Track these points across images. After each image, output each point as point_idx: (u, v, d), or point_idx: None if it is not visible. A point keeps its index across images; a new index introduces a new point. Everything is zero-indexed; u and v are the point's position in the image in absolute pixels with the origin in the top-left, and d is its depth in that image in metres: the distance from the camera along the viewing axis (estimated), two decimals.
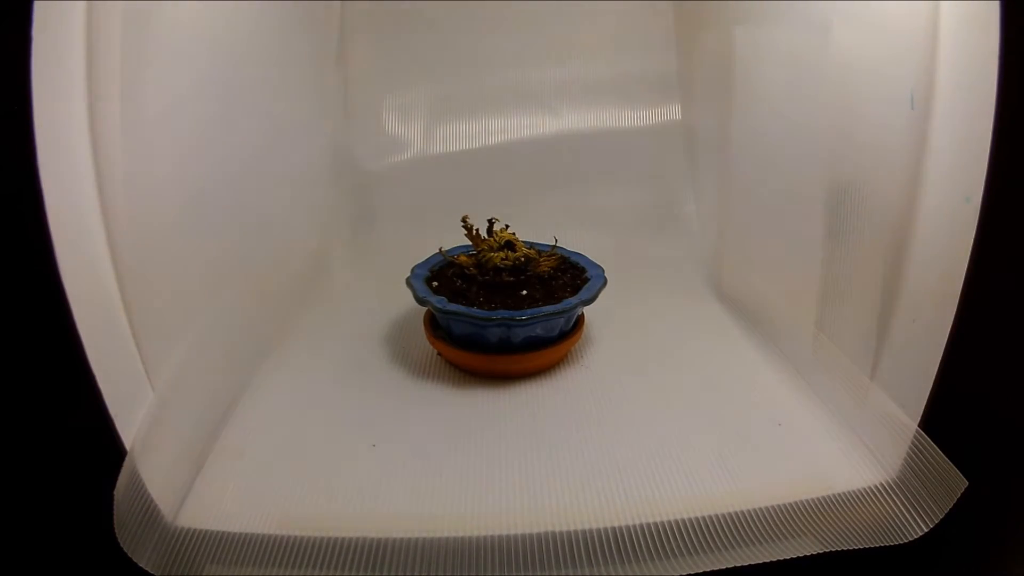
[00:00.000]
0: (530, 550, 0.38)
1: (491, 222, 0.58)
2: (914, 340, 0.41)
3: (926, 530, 0.38)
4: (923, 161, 0.40)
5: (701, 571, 0.37)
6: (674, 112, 0.82)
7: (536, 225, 0.61)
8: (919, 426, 0.40)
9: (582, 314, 0.58)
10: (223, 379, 0.50)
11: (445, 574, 0.37)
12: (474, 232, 0.58)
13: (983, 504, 0.39)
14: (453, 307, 0.53)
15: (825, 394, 0.50)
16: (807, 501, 0.40)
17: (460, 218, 0.58)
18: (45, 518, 0.36)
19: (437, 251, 0.61)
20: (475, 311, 0.52)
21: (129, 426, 0.37)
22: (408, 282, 0.57)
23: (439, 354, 0.57)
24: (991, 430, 0.40)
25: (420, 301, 0.55)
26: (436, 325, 0.57)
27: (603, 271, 0.59)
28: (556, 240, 0.61)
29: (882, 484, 0.41)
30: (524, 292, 0.55)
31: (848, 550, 0.38)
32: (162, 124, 0.42)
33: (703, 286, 0.70)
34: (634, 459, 0.45)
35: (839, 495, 0.41)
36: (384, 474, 0.44)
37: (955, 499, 0.38)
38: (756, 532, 0.39)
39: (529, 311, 0.52)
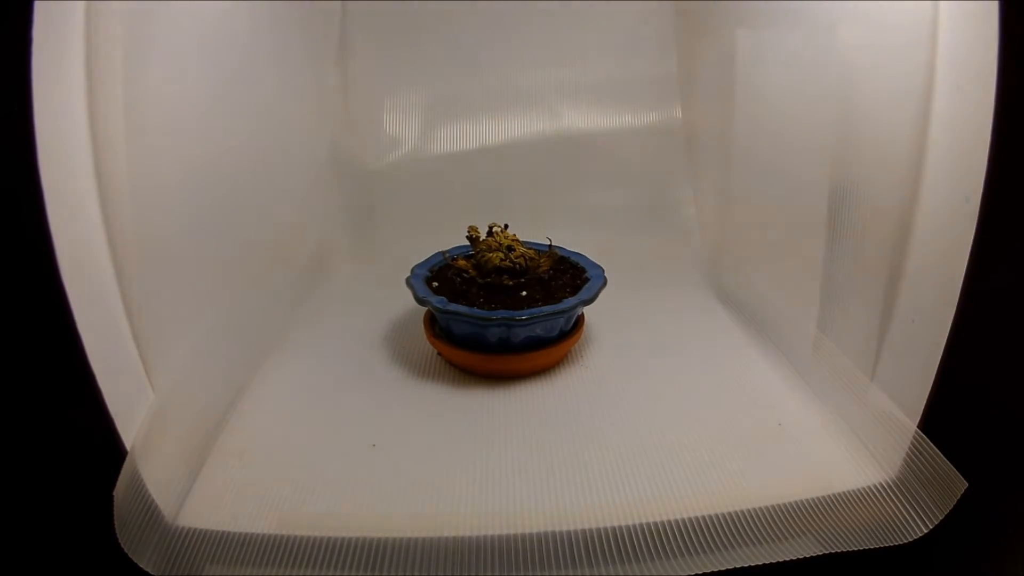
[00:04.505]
0: (530, 550, 0.38)
1: (491, 228, 0.58)
2: (914, 340, 0.41)
3: (926, 530, 0.38)
4: (923, 161, 0.40)
5: (701, 571, 0.37)
6: (674, 112, 0.82)
7: (536, 225, 0.61)
8: (919, 426, 0.40)
9: (582, 314, 0.58)
10: (223, 379, 0.50)
11: (445, 574, 0.37)
12: (474, 237, 0.58)
13: (983, 504, 0.39)
14: (453, 307, 0.53)
15: (825, 394, 0.50)
16: (807, 501, 0.40)
17: (459, 217, 0.58)
18: (45, 518, 0.36)
19: (437, 251, 0.61)
20: (475, 311, 0.52)
21: (129, 426, 0.37)
22: (408, 282, 0.57)
23: (439, 354, 0.57)
24: (991, 430, 0.40)
25: (420, 301, 0.55)
26: (436, 325, 0.57)
27: (603, 271, 0.59)
28: (551, 241, 0.61)
29: (882, 484, 0.41)
30: (524, 292, 0.55)
31: (848, 551, 0.38)
32: (162, 124, 0.42)
33: (703, 286, 0.70)
34: (634, 459, 0.45)
35: (839, 495, 0.41)
36: (384, 474, 0.44)
37: (955, 499, 0.38)
38: (756, 532, 0.39)
39: (529, 311, 0.52)
